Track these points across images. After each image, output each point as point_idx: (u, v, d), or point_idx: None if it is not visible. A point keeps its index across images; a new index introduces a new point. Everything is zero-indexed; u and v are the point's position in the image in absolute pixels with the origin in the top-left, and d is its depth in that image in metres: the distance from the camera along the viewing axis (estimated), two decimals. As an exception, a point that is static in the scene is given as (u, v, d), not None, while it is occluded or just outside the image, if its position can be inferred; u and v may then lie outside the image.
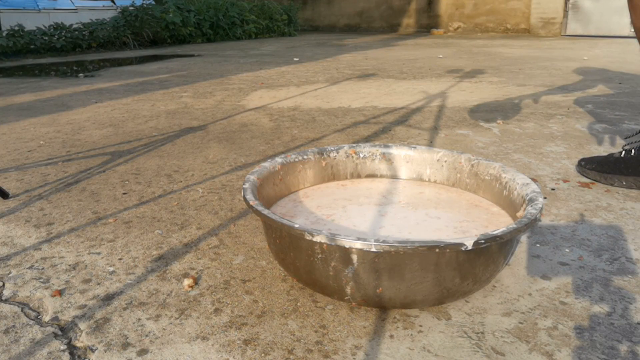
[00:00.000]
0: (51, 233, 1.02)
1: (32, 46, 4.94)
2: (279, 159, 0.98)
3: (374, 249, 0.65)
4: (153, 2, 6.43)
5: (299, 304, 0.76)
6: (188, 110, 2.24)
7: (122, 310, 0.75)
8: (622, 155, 1.26)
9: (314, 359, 0.64)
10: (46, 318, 0.74)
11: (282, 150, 1.60)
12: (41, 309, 0.76)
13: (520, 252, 0.91)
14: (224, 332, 0.70)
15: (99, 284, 0.83)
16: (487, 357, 0.64)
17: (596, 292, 0.78)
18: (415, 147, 1.05)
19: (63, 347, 0.67)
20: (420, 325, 0.71)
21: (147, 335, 0.69)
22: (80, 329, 0.71)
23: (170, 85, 2.94)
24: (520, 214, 0.81)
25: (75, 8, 6.18)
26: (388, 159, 1.07)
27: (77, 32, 5.31)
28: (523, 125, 1.85)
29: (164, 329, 0.71)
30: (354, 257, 0.67)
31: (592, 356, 0.64)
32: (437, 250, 0.64)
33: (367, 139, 1.70)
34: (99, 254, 0.93)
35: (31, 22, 5.32)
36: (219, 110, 2.23)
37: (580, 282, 0.81)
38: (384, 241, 0.64)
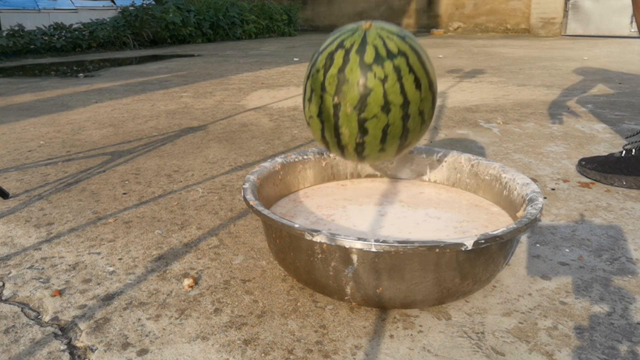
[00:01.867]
0: (51, 233, 1.02)
1: (32, 46, 4.94)
2: (279, 159, 0.98)
3: (374, 249, 0.65)
4: (153, 2, 6.43)
5: (299, 304, 0.76)
6: (188, 110, 2.24)
7: (122, 310, 0.75)
8: (623, 155, 1.26)
9: (314, 359, 0.64)
10: (46, 318, 0.74)
11: (282, 150, 1.60)
12: (41, 309, 0.76)
13: (520, 252, 0.91)
14: (224, 332, 0.70)
15: (99, 284, 0.83)
16: (487, 357, 0.64)
17: (596, 292, 0.78)
18: (415, 147, 1.05)
19: (63, 347, 0.67)
20: (420, 325, 0.71)
21: (147, 335, 0.69)
22: (80, 329, 0.71)
23: (170, 85, 2.94)
24: (520, 214, 0.81)
25: (75, 8, 6.18)
26: (388, 159, 1.07)
27: (77, 32, 5.31)
28: (523, 125, 1.85)
29: (164, 329, 0.71)
30: (354, 257, 0.67)
31: (592, 356, 0.64)
32: (437, 250, 0.64)
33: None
34: (99, 254, 0.93)
35: (31, 22, 5.32)
36: (219, 110, 2.23)
37: (580, 282, 0.81)
38: (384, 241, 0.64)
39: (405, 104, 0.72)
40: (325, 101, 0.74)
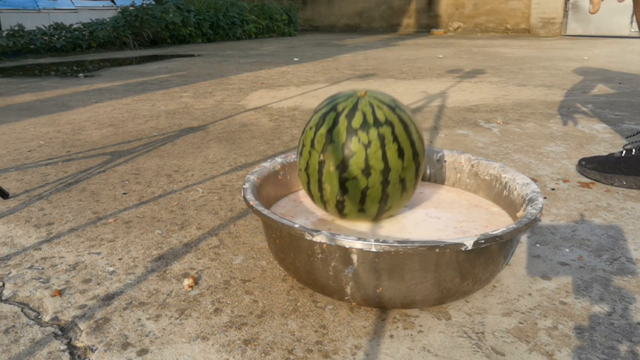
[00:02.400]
0: (51, 233, 1.02)
1: (32, 46, 4.94)
2: (279, 159, 0.98)
3: (374, 249, 0.65)
4: (153, 2, 6.43)
5: (299, 304, 0.76)
6: (188, 110, 2.24)
7: (122, 310, 0.75)
8: (623, 154, 1.26)
9: (314, 359, 0.64)
10: (46, 318, 0.74)
11: (282, 150, 1.60)
12: (41, 309, 0.76)
13: (520, 252, 0.91)
14: (224, 332, 0.70)
15: (99, 284, 0.83)
16: (487, 357, 0.64)
17: (596, 292, 0.78)
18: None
19: (63, 347, 0.67)
20: (420, 325, 0.71)
21: (147, 335, 0.69)
22: (80, 329, 0.71)
23: (170, 85, 2.94)
24: (520, 214, 0.81)
25: (75, 8, 6.18)
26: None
27: (77, 32, 5.31)
28: (523, 125, 1.85)
29: (164, 329, 0.71)
30: (354, 257, 0.67)
31: (592, 356, 0.64)
32: (437, 250, 0.64)
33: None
34: (99, 254, 0.93)
35: (31, 22, 5.33)
36: (219, 110, 2.23)
37: (580, 282, 0.81)
38: (383, 241, 0.64)
39: (386, 170, 0.76)
40: (312, 157, 0.79)
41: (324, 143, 0.77)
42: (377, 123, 0.76)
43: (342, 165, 0.76)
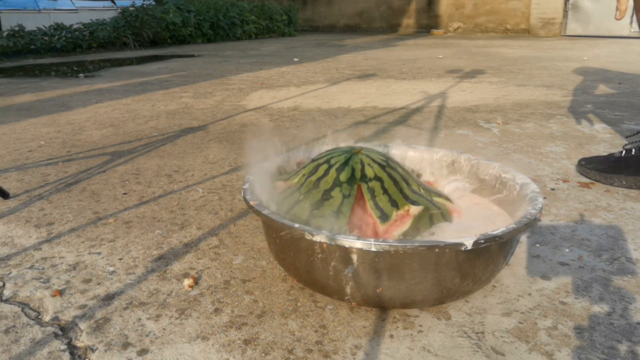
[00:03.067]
0: (51, 233, 1.02)
1: (32, 46, 4.94)
2: (278, 159, 0.98)
3: (373, 249, 0.65)
4: (153, 3, 6.43)
5: (299, 304, 0.76)
6: (188, 110, 2.24)
7: (122, 310, 0.75)
8: (623, 154, 1.26)
9: (314, 359, 0.64)
10: (46, 318, 0.74)
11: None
12: (41, 309, 0.76)
13: (520, 252, 0.91)
14: (224, 332, 0.70)
15: (99, 284, 0.83)
16: (487, 357, 0.64)
17: (596, 292, 0.78)
18: (415, 147, 1.05)
19: (63, 347, 0.67)
20: (420, 325, 0.71)
21: (147, 335, 0.69)
22: (80, 329, 0.71)
23: (171, 86, 2.94)
24: (520, 214, 0.81)
25: (75, 8, 6.19)
26: (388, 159, 1.06)
27: (77, 33, 5.31)
28: (523, 125, 1.85)
29: (164, 329, 0.71)
30: (354, 257, 0.67)
31: (592, 356, 0.64)
32: (436, 250, 0.64)
33: (367, 139, 1.70)
34: (99, 254, 0.93)
35: (31, 23, 5.33)
36: (219, 110, 2.23)
37: (580, 282, 0.81)
38: (383, 241, 0.65)
39: (384, 216, 0.79)
40: (294, 197, 0.83)
41: (310, 187, 0.82)
42: (364, 178, 0.81)
43: (317, 205, 0.79)
